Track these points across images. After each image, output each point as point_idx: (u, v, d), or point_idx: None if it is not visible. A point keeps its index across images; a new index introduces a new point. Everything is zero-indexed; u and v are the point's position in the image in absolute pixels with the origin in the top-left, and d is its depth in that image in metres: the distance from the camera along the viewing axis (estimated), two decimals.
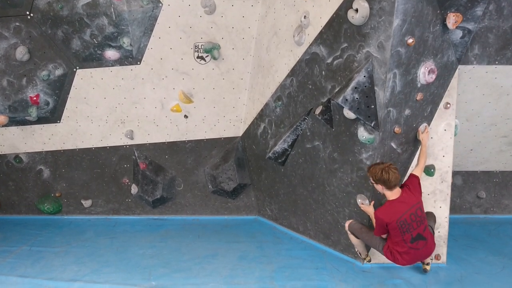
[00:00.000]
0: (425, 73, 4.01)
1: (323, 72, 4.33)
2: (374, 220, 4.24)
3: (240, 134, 5.89)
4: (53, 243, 5.47)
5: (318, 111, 4.48)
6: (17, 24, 5.06)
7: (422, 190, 4.56)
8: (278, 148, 5.10)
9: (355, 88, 3.92)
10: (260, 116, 5.42)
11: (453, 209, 5.71)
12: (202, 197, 6.15)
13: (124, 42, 5.07)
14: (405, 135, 4.31)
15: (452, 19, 3.86)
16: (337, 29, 4.05)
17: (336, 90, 4.16)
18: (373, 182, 4.08)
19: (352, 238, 4.56)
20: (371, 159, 4.25)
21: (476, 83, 4.63)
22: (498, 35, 4.23)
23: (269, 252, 5.16)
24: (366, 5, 3.66)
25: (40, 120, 5.66)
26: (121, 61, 5.28)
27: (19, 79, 5.31)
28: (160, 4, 4.96)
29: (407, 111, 4.16)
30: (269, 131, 5.32)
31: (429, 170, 4.60)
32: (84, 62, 5.28)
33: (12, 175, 6.12)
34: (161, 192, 5.97)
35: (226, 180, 5.91)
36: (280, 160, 5.24)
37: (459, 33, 4.10)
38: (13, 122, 5.63)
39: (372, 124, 4.01)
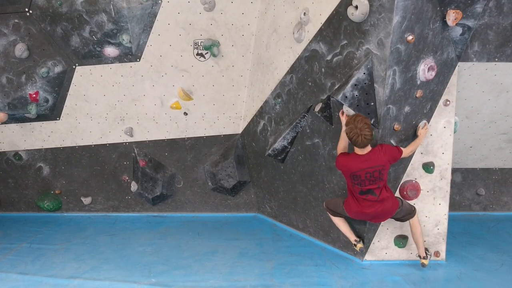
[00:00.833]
0: (424, 70, 4.01)
1: (323, 69, 4.32)
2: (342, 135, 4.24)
3: (240, 131, 5.88)
4: (53, 240, 5.48)
5: (317, 108, 4.48)
6: (16, 21, 5.04)
7: (421, 187, 4.56)
8: (278, 145, 5.10)
9: (355, 85, 3.92)
10: (260, 113, 5.42)
11: (453, 206, 5.71)
12: (201, 194, 6.16)
13: (123, 39, 5.06)
14: (404, 132, 4.31)
15: (452, 16, 3.85)
16: (336, 26, 4.04)
17: (336, 87, 4.16)
18: (345, 132, 4.03)
19: (334, 219, 4.65)
20: None
21: (475, 80, 4.63)
22: (498, 32, 4.22)
23: (268, 249, 5.17)
24: (366, 2, 3.66)
25: (40, 117, 5.65)
26: (120, 58, 5.27)
27: (18, 76, 5.30)
28: (160, 1, 4.94)
29: (406, 108, 4.16)
30: (269, 128, 5.32)
31: (429, 167, 4.60)
32: (83, 59, 5.28)
33: (12, 173, 6.12)
34: (161, 189, 5.97)
35: (225, 177, 5.91)
36: (279, 157, 5.24)
37: (459, 30, 4.09)
38: (13, 119, 5.62)
39: (372, 121, 4.01)
